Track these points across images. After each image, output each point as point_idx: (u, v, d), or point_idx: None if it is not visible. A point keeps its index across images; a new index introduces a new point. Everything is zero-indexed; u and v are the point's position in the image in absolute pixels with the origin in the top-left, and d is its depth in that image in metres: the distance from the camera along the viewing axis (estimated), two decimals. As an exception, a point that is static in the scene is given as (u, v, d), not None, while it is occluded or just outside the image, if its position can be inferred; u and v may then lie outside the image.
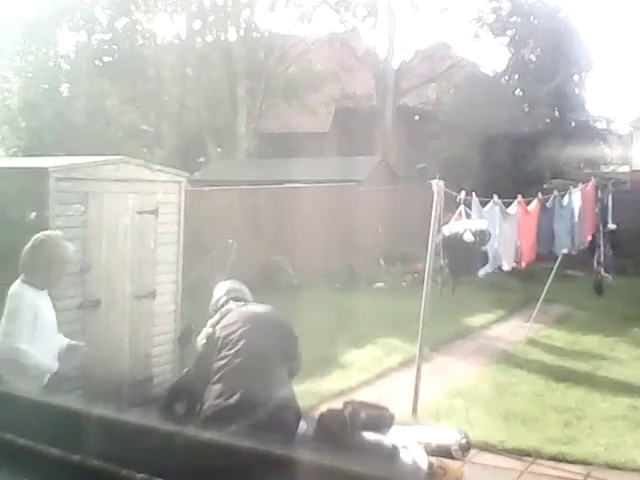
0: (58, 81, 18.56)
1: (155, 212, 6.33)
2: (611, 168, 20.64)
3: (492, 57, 42.84)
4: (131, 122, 18.96)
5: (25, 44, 17.89)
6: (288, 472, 0.92)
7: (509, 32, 18.63)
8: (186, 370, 4.08)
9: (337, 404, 3.81)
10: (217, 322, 3.75)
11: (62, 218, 5.51)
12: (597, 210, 10.18)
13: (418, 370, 6.19)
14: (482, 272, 7.85)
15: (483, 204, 7.92)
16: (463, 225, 7.15)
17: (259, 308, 3.93)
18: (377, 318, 9.16)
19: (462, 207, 7.39)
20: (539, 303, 9.37)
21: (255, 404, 3.32)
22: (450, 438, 3.76)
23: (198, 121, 20.64)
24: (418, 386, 6.11)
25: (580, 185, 9.98)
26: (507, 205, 8.37)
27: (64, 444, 0.96)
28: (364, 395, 6.07)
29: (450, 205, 7.10)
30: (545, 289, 9.35)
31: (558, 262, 9.56)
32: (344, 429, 3.36)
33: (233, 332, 3.62)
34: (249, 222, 11.19)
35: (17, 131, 17.14)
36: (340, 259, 12.62)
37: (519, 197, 8.53)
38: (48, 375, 4.00)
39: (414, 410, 5.99)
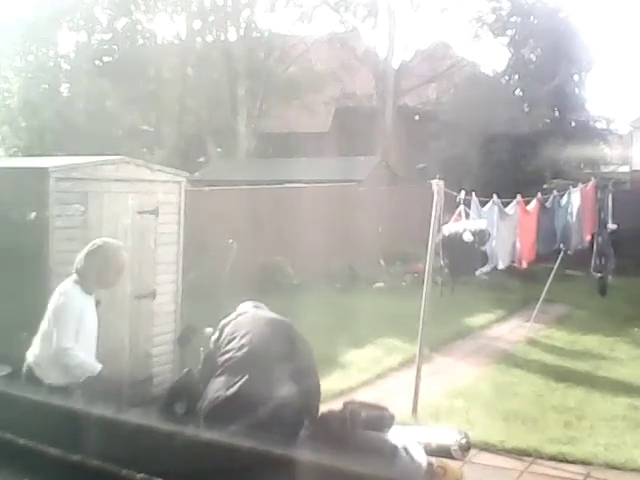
0: (58, 81, 18.57)
1: (155, 212, 6.33)
2: (611, 168, 20.64)
3: (492, 57, 42.82)
4: (131, 122, 18.97)
5: (25, 44, 17.89)
6: (288, 472, 0.92)
7: (509, 32, 18.65)
8: (186, 370, 4.08)
9: (337, 404, 3.81)
10: (229, 321, 3.76)
11: (62, 218, 5.51)
12: (597, 210, 10.16)
13: (418, 370, 6.19)
14: (478, 272, 7.85)
15: (483, 204, 7.92)
16: (463, 225, 7.16)
17: (273, 314, 3.92)
18: (377, 318, 9.15)
19: (462, 207, 7.39)
20: (539, 303, 9.37)
21: (255, 397, 3.31)
22: (450, 438, 3.77)
23: (198, 121, 20.65)
24: (418, 386, 6.11)
25: (580, 185, 9.97)
26: (507, 205, 8.37)
27: (64, 444, 0.96)
28: (364, 395, 6.06)
29: (450, 205, 7.10)
30: (545, 289, 9.35)
31: (558, 262, 9.55)
32: (344, 429, 3.36)
33: (241, 328, 3.63)
34: (249, 222, 11.18)
35: (17, 131, 17.15)
36: (340, 259, 12.61)
37: (518, 197, 8.52)
38: (88, 375, 3.99)
39: (414, 410, 5.99)
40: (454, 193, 7.04)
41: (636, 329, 9.21)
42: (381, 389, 6.83)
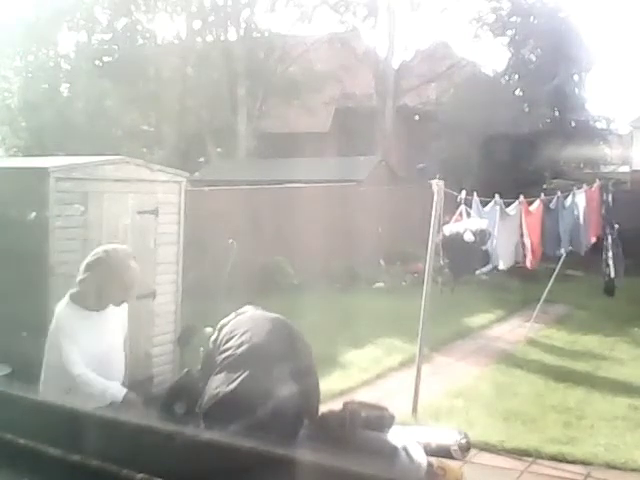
0: (58, 81, 18.59)
1: (155, 212, 6.33)
2: (611, 168, 20.64)
3: (492, 57, 42.86)
4: (131, 122, 18.98)
5: (25, 44, 17.90)
6: (288, 472, 0.92)
7: (509, 32, 18.63)
8: (186, 370, 4.08)
9: (337, 404, 3.81)
10: (228, 321, 3.76)
11: (62, 218, 5.52)
12: (603, 212, 10.11)
13: (418, 370, 6.19)
14: (478, 271, 7.84)
15: (484, 204, 7.91)
16: (463, 225, 7.15)
17: (273, 314, 3.91)
18: (377, 318, 9.15)
19: (462, 207, 7.38)
20: (540, 303, 9.37)
21: (255, 393, 3.31)
22: (450, 438, 3.76)
23: (198, 121, 20.62)
24: (418, 386, 6.11)
25: (584, 186, 9.92)
26: (508, 205, 8.36)
27: (64, 444, 0.96)
28: (364, 395, 6.07)
29: (450, 205, 7.09)
30: (547, 289, 9.34)
31: (561, 262, 9.53)
32: (344, 429, 3.36)
33: (240, 327, 3.62)
34: (249, 222, 11.18)
35: (17, 131, 17.18)
36: (340, 259, 12.61)
37: (521, 197, 8.46)
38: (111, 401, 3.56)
39: (414, 410, 5.99)
40: (454, 193, 7.04)
41: (636, 329, 9.21)
42: (381, 389, 6.83)
